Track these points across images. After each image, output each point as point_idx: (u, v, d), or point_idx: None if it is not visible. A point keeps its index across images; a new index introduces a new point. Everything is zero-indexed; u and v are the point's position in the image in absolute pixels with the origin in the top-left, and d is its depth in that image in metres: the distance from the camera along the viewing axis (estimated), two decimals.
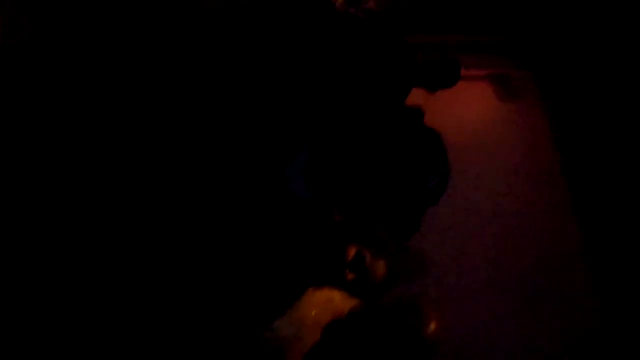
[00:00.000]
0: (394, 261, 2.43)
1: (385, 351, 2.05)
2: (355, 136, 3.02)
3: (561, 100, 4.38)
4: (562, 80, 4.45)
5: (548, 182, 4.00)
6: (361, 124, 3.04)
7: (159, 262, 2.70)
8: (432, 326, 2.11)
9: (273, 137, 3.09)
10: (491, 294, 3.45)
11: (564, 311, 3.37)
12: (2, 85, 2.76)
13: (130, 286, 2.64)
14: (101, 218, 2.76)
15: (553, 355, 3.22)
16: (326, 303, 2.28)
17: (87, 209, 2.78)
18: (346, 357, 2.11)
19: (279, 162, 3.01)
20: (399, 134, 3.08)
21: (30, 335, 2.60)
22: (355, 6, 3.97)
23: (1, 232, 2.71)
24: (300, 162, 2.97)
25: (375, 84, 3.31)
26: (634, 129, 3.87)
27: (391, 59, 3.47)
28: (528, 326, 3.31)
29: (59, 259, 2.73)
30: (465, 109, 4.27)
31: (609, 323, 3.32)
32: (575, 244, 3.68)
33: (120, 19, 3.16)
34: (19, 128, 2.79)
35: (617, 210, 3.72)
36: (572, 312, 3.36)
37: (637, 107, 3.91)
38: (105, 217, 2.76)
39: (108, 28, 3.04)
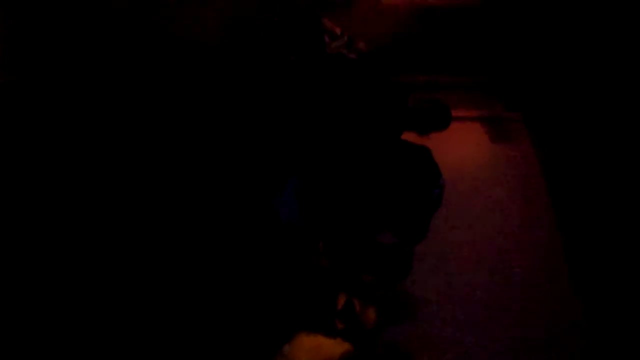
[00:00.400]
0: (383, 306, 2.44)
1: None
2: (349, 158, 3.05)
3: (550, 140, 4.42)
4: (551, 120, 4.50)
5: (537, 222, 4.01)
6: (353, 153, 3.08)
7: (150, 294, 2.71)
8: None
9: (262, 167, 3.12)
10: (480, 331, 3.45)
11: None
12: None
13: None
14: None
15: None
16: (316, 349, 2.27)
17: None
18: None
19: (268, 191, 3.03)
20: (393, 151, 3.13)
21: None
22: (347, 47, 4.04)
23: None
24: (291, 190, 3.00)
25: (366, 121, 3.35)
26: (623, 165, 3.91)
27: (382, 97, 3.52)
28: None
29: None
30: (456, 150, 4.30)
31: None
32: (564, 281, 3.69)
33: (117, 52, 3.19)
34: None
35: (608, 247, 3.73)
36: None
37: (625, 143, 3.95)
38: None
39: (105, 63, 3.07)
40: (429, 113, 3.30)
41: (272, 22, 3.64)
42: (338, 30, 4.16)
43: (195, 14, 3.45)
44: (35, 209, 2.89)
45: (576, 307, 3.51)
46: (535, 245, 3.86)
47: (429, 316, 3.44)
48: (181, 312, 2.66)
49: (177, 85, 3.22)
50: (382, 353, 2.25)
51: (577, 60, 4.39)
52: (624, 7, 4.09)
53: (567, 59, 4.48)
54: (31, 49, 3.08)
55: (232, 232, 2.96)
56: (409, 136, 3.31)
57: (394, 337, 3.05)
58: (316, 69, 3.54)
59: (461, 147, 4.37)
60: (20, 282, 2.73)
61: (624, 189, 3.81)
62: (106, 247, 2.87)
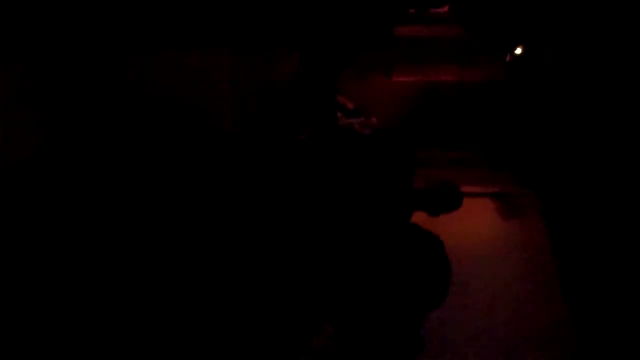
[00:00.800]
0: None
1: None
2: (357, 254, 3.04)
3: (563, 220, 4.38)
4: (563, 197, 4.48)
5: (549, 303, 3.95)
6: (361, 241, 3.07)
7: None
8: None
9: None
10: None
11: None
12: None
13: None
14: None
15: None
16: None
17: None
18: None
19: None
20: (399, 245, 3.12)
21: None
22: (360, 123, 4.06)
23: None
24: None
25: (376, 199, 3.35)
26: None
27: (393, 174, 3.53)
28: None
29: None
30: (467, 229, 4.26)
31: None
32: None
33: (130, 136, 3.22)
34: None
35: (620, 328, 3.65)
36: None
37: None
38: None
39: (119, 146, 3.11)
40: (439, 194, 3.31)
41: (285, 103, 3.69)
42: (351, 106, 4.21)
43: (208, 99, 3.50)
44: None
45: None
46: (549, 327, 3.80)
47: None
48: None
49: (189, 171, 3.25)
50: None
51: (591, 138, 4.41)
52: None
53: (581, 136, 4.49)
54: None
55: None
56: (419, 216, 3.33)
57: None
58: (327, 147, 3.57)
59: (471, 225, 4.33)
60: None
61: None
62: None
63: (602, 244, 4.02)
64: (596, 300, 3.81)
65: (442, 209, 3.35)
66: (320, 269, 3.04)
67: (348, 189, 3.35)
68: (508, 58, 4.80)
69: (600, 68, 4.44)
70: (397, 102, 4.69)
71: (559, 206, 4.48)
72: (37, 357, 2.55)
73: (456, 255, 3.61)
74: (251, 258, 3.12)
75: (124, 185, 3.07)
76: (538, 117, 4.74)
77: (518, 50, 4.74)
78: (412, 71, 4.90)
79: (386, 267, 2.99)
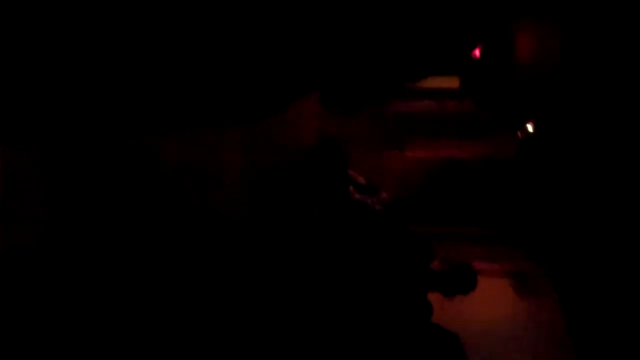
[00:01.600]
0: None
1: None
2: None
3: (575, 297, 4.33)
4: (576, 276, 4.43)
5: None
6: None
7: None
8: None
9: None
10: None
11: None
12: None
13: None
14: None
15: None
16: None
17: None
18: None
19: None
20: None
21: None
22: (372, 198, 4.06)
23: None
24: None
25: (390, 278, 3.34)
26: None
27: (407, 252, 3.52)
28: None
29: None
30: (480, 306, 4.21)
31: None
32: None
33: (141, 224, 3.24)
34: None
35: None
36: None
37: None
38: None
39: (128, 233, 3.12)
40: (454, 276, 3.30)
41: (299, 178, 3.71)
42: (362, 181, 4.21)
43: (221, 173, 3.52)
44: None
45: None
46: None
47: None
48: None
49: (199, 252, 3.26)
50: None
51: (600, 214, 4.39)
52: None
53: (590, 213, 4.48)
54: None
55: None
56: (434, 296, 3.30)
57: None
58: (340, 222, 3.57)
59: (485, 303, 4.28)
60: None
61: None
62: None
63: (616, 320, 3.96)
64: None
65: (457, 291, 3.32)
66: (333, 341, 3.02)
67: (360, 265, 3.33)
68: (520, 135, 4.83)
69: (611, 145, 4.46)
70: (409, 177, 4.71)
71: (572, 282, 4.43)
72: None
73: (471, 335, 3.55)
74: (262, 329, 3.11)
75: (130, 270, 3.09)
76: (550, 194, 4.74)
77: (529, 127, 4.78)
78: (424, 146, 4.93)
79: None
